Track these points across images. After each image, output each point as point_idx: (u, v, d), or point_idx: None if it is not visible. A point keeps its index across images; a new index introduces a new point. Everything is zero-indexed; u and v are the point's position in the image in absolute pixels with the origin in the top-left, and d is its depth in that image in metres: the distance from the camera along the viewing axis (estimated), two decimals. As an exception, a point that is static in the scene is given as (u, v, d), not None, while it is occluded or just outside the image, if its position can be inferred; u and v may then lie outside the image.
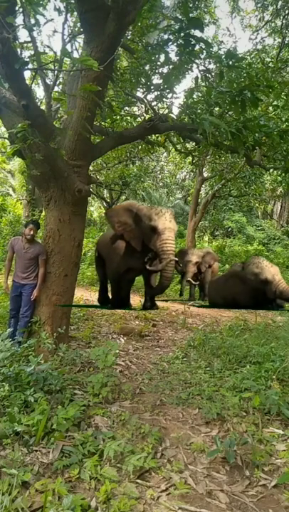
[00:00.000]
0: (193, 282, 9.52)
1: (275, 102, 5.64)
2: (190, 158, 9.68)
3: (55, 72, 4.39)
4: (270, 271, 6.50)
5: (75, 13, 4.97)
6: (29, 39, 3.24)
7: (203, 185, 16.08)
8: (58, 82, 5.16)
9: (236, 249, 17.00)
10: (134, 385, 3.68)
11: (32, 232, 4.29)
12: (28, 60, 2.81)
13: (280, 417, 2.98)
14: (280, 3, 10.18)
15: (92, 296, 8.77)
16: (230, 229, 20.26)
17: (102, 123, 5.58)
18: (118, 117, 6.21)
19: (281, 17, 10.46)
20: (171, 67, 4.66)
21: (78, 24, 5.18)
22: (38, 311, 4.25)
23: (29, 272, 4.29)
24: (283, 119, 5.41)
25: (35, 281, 4.26)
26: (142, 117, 5.49)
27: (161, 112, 4.89)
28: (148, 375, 3.95)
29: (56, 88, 5.67)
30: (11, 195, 18.40)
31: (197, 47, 4.00)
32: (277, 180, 13.85)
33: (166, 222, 5.06)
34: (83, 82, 3.70)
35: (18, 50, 3.57)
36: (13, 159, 16.86)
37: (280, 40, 10.99)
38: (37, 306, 4.27)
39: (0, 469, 2.22)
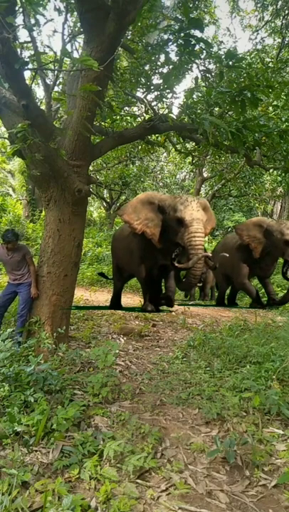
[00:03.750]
0: None
1: (275, 102, 5.64)
2: (190, 158, 9.68)
3: (55, 72, 4.40)
4: None
5: (75, 13, 4.98)
6: (29, 39, 3.24)
7: (203, 185, 16.11)
8: (58, 82, 5.17)
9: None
10: (134, 385, 3.67)
11: (8, 246, 4.27)
12: (28, 60, 2.81)
13: (280, 417, 2.97)
14: (280, 3, 10.19)
15: (92, 296, 8.78)
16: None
17: (102, 123, 5.58)
18: (118, 117, 6.20)
19: (281, 17, 10.48)
20: (171, 67, 4.67)
21: (78, 24, 5.18)
22: (38, 311, 4.24)
23: (21, 273, 4.36)
24: (283, 119, 5.41)
25: (30, 278, 4.33)
26: (142, 117, 5.48)
27: (161, 112, 4.89)
28: (148, 375, 3.94)
29: (56, 88, 5.68)
30: (11, 195, 18.41)
31: (197, 47, 4.01)
32: (277, 180, 13.86)
33: (193, 213, 4.50)
34: (83, 82, 3.70)
35: (18, 50, 3.57)
36: (13, 159, 16.87)
37: (280, 40, 11.01)
38: (37, 306, 4.27)
39: (0, 469, 2.22)
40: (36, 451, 2.48)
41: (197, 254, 4.46)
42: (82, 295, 8.17)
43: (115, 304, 6.99)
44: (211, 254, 5.17)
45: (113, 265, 7.22)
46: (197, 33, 3.82)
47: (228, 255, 5.96)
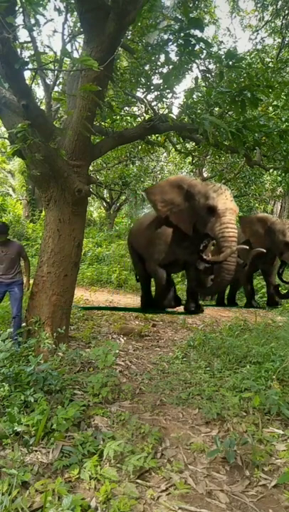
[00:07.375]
0: None
1: (275, 102, 5.65)
2: (190, 158, 9.69)
3: (55, 72, 4.40)
4: None
5: (75, 13, 4.98)
6: (29, 39, 3.24)
7: (203, 185, 16.07)
8: (58, 82, 5.16)
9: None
10: (134, 385, 3.67)
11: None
12: (28, 60, 2.82)
13: (280, 417, 2.97)
14: (280, 3, 10.20)
15: (92, 296, 8.78)
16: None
17: (102, 123, 5.58)
18: (118, 117, 6.21)
19: (281, 17, 10.48)
20: (171, 67, 4.67)
21: (78, 24, 5.18)
22: (38, 311, 4.24)
23: (14, 272, 4.44)
24: (283, 119, 5.42)
25: (21, 278, 4.45)
26: (142, 117, 5.49)
27: (161, 112, 4.89)
28: (148, 375, 3.94)
29: (56, 88, 5.68)
30: (11, 195, 18.41)
31: (197, 47, 4.01)
32: (277, 180, 13.86)
33: (227, 202, 4.19)
34: (83, 82, 3.70)
35: (18, 50, 3.57)
36: (13, 159, 16.87)
37: (280, 40, 11.01)
38: (37, 306, 4.27)
39: (0, 469, 2.22)
40: (36, 451, 2.48)
41: (231, 246, 4.10)
42: (82, 295, 8.17)
43: (146, 303, 6.41)
44: (247, 247, 4.76)
45: (135, 262, 6.69)
46: (197, 32, 3.82)
47: (264, 250, 5.96)
